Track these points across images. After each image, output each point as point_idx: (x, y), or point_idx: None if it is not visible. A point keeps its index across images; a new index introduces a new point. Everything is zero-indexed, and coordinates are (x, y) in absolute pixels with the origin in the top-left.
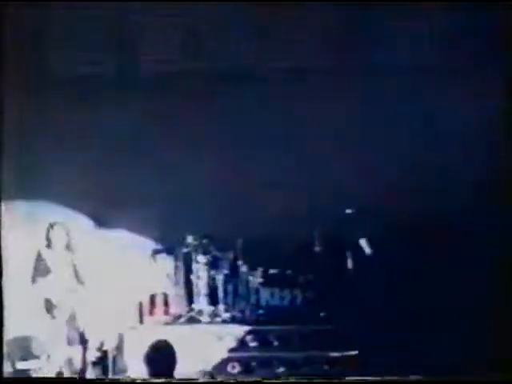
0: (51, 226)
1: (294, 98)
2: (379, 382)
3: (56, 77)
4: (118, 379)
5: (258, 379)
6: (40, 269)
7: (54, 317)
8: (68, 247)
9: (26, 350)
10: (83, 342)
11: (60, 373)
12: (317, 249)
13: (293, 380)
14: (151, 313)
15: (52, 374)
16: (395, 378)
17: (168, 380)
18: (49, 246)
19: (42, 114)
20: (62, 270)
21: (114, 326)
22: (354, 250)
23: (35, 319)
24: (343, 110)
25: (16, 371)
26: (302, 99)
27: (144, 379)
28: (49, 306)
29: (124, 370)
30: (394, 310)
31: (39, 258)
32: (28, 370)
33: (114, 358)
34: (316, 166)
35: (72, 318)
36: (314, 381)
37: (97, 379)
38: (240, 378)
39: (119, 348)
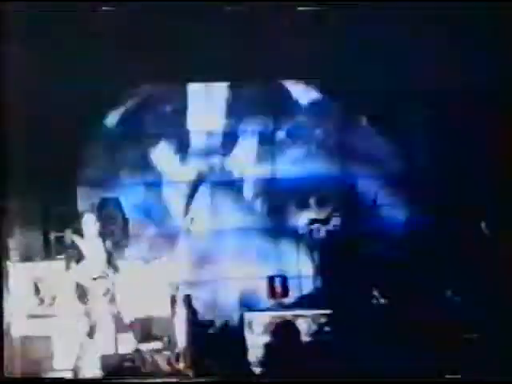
0: (81, 214)
1: None
2: (380, 382)
3: None
4: (118, 379)
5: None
6: (74, 255)
7: (85, 302)
8: (100, 235)
9: (147, 331)
10: (198, 323)
11: (178, 354)
12: None
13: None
14: (272, 295)
15: (172, 356)
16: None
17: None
18: (81, 233)
19: None
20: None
21: (234, 308)
22: None
23: (157, 300)
24: None
25: (137, 352)
26: None
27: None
28: (81, 292)
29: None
30: None
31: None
32: (149, 351)
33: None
34: None
35: (187, 300)
36: (314, 380)
37: (97, 379)
38: None
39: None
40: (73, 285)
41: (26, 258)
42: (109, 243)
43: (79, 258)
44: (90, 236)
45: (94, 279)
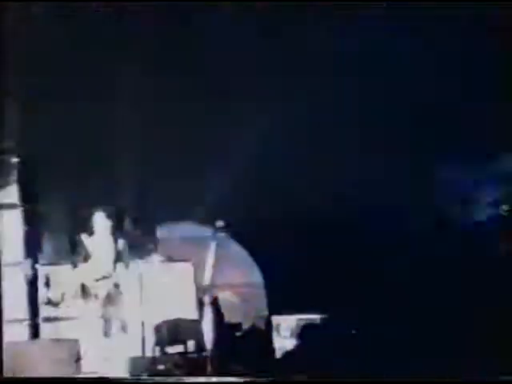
0: (93, 212)
1: None
2: (379, 382)
3: None
4: (119, 379)
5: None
6: (81, 254)
7: (87, 302)
8: (112, 233)
9: (175, 334)
10: (226, 326)
11: (206, 357)
12: None
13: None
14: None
15: (199, 358)
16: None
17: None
18: (91, 232)
19: None
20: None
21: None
22: None
23: (186, 304)
24: None
25: (164, 355)
26: None
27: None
28: (84, 292)
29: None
30: None
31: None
32: (176, 354)
33: None
34: None
35: (215, 303)
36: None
37: (97, 379)
38: None
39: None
40: (78, 285)
41: (54, 261)
42: (121, 243)
43: (86, 257)
44: (99, 234)
45: (98, 280)
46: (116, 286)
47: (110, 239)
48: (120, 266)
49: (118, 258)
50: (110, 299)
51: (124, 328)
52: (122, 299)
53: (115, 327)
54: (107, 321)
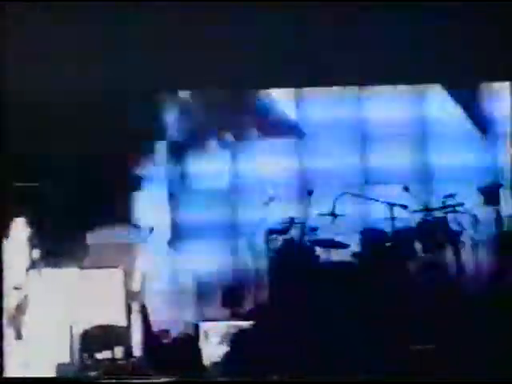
0: (15, 218)
1: None
2: (379, 382)
3: None
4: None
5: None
6: None
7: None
8: (29, 241)
9: (104, 339)
10: (154, 333)
11: (134, 363)
12: None
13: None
14: (227, 304)
15: (128, 364)
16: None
17: (167, 380)
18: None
19: None
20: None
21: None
22: None
23: (114, 308)
24: None
25: (94, 361)
26: None
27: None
28: None
29: None
30: None
31: None
32: (106, 359)
33: None
34: None
35: (143, 310)
36: (314, 381)
37: (96, 379)
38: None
39: None
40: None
41: None
42: (37, 251)
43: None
44: (15, 242)
45: (16, 288)
46: (26, 296)
47: (26, 247)
48: (35, 274)
49: (33, 266)
50: (19, 309)
51: (23, 337)
52: (30, 309)
53: (23, 335)
54: (17, 330)
